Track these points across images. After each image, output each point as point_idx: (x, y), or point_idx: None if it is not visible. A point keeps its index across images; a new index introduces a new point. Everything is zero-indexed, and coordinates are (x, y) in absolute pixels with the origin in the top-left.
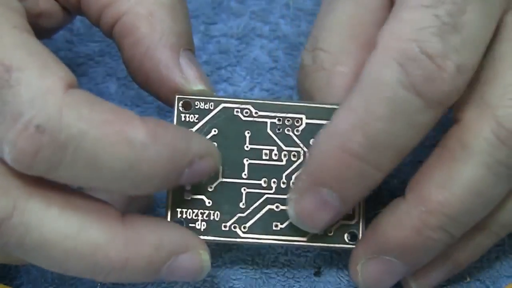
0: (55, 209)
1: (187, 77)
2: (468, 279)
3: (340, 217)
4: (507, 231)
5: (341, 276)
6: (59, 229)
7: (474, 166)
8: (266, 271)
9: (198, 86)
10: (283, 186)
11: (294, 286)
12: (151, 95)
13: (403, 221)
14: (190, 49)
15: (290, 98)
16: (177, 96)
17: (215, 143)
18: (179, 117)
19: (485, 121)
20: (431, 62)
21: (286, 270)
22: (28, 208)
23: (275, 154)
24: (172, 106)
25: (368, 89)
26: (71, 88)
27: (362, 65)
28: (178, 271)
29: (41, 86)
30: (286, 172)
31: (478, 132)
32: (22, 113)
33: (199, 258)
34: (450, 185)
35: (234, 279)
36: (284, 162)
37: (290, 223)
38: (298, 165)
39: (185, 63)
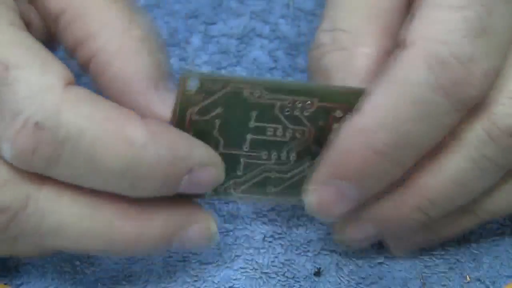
0: (68, 194)
1: (168, 108)
2: (468, 279)
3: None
4: (493, 216)
5: (341, 276)
6: (74, 212)
7: (461, 158)
8: (266, 271)
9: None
10: (283, 158)
11: (294, 286)
12: None
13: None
14: (168, 79)
15: (302, 80)
16: (180, 77)
17: (218, 120)
18: (183, 95)
19: (479, 116)
20: (460, 66)
21: (286, 270)
22: (41, 197)
23: (280, 132)
24: None
25: (397, 89)
26: (70, 85)
27: (384, 49)
28: (189, 242)
29: (39, 84)
30: (288, 148)
31: (471, 126)
32: (21, 110)
33: (208, 229)
34: (436, 171)
35: (234, 279)
36: (287, 139)
37: (284, 187)
38: (301, 141)
39: (164, 94)
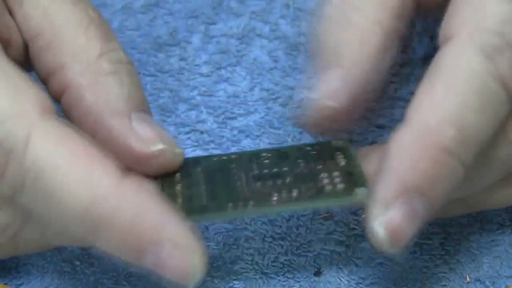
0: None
1: (143, 139)
2: (468, 279)
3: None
4: None
5: (341, 276)
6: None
7: (505, 153)
8: (266, 271)
9: (157, 145)
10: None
11: (294, 286)
12: None
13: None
14: (143, 109)
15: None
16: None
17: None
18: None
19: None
20: None
21: (286, 270)
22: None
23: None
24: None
25: (457, 80)
26: (45, 114)
27: (393, 32)
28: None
29: (11, 110)
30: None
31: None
32: None
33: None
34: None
35: (234, 279)
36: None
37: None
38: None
39: (139, 125)
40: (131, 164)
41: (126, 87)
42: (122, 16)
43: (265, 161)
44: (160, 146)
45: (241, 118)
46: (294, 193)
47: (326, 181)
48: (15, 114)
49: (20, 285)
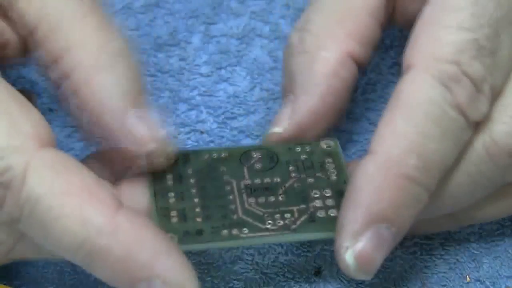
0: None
1: (137, 138)
2: (468, 279)
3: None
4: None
5: (341, 276)
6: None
7: (458, 172)
8: (266, 271)
9: (150, 145)
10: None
11: (294, 286)
12: None
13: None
14: (140, 104)
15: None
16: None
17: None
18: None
19: (480, 133)
20: (472, 84)
21: (286, 270)
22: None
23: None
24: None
25: (416, 110)
26: (43, 146)
27: (348, 53)
28: None
29: (9, 144)
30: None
31: (471, 143)
32: None
33: None
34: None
35: (234, 279)
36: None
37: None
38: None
39: (134, 123)
40: (124, 161)
41: (123, 82)
42: (122, 16)
43: (256, 165)
44: (152, 146)
45: (241, 118)
46: (287, 220)
47: (318, 203)
48: (13, 148)
49: (20, 285)
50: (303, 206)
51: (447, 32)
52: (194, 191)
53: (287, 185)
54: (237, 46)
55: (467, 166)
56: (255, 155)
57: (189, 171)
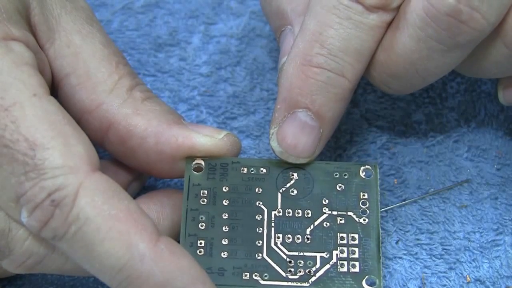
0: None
1: (207, 133)
2: (468, 279)
3: (323, 139)
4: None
5: None
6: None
7: (408, 37)
8: None
9: (222, 133)
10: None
11: None
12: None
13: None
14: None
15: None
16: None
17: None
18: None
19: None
20: None
21: None
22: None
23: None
24: (174, 175)
25: (315, 7)
26: (94, 169)
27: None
28: None
29: (63, 165)
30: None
31: (413, 5)
32: (43, 187)
33: None
34: (388, 48)
35: None
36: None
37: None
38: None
39: (193, 126)
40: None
41: (164, 104)
42: (122, 16)
43: (291, 190)
44: (224, 132)
45: (241, 118)
46: (307, 270)
47: (343, 251)
48: (68, 168)
49: (21, 285)
50: (327, 254)
51: None
52: (225, 217)
53: (316, 223)
54: (237, 46)
55: (416, 31)
56: (292, 176)
57: (225, 188)
